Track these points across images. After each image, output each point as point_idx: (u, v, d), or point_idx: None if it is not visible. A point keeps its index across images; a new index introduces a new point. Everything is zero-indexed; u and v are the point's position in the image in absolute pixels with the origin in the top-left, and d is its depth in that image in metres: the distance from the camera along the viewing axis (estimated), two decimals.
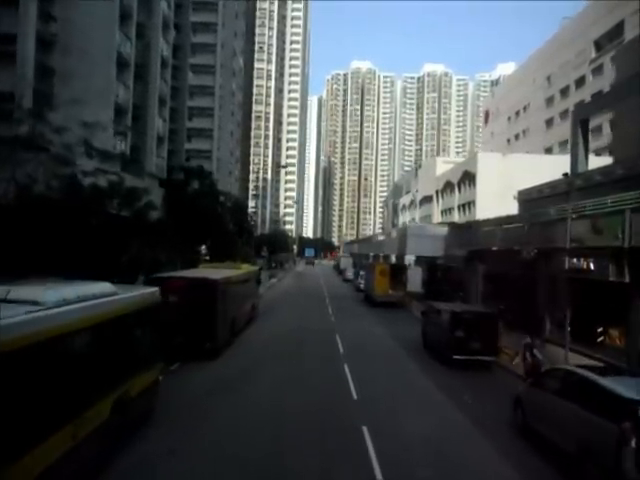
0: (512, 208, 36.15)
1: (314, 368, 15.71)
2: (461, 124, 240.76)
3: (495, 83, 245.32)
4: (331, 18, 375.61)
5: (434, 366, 16.80)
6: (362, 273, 50.77)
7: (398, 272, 33.09)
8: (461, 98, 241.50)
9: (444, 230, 36.71)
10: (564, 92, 67.89)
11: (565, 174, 31.76)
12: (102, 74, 23.99)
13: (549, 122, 71.85)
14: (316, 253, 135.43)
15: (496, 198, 48.37)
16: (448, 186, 66.80)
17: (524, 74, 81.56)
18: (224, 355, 16.96)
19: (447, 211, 66.42)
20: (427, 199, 78.94)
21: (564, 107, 67.07)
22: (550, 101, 71.59)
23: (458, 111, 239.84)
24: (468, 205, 58.24)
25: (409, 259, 54.79)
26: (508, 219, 26.59)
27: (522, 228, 23.08)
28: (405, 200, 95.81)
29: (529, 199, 36.29)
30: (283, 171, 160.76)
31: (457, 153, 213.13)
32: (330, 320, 26.29)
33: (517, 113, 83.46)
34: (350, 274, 59.92)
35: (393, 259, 65.84)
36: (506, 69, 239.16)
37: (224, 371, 15.03)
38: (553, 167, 49.40)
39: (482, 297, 28.13)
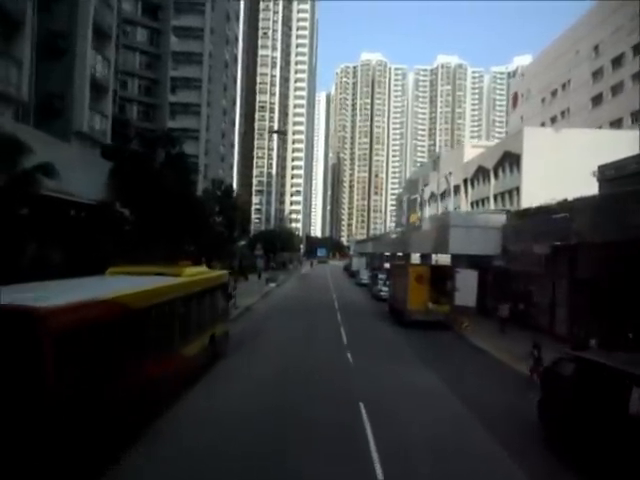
0: (571, 193, 26.34)
1: None
2: (476, 118, 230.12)
3: (512, 75, 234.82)
4: (339, 11, 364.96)
5: None
6: (381, 277, 40.67)
7: (442, 277, 22.81)
8: (476, 91, 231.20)
9: (500, 219, 26.54)
10: (617, 62, 57.19)
11: None
12: None
13: (596, 99, 61.15)
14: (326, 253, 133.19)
15: (548, 183, 38.67)
16: (480, 173, 56.39)
17: (563, 47, 70.66)
18: None
19: (479, 202, 56.04)
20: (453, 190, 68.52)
21: (617, 79, 56.49)
22: (598, 74, 60.88)
23: (473, 104, 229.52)
24: (509, 193, 47.86)
25: (438, 259, 44.48)
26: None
27: None
28: (425, 193, 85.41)
29: (619, 175, 26.00)
30: (289, 166, 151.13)
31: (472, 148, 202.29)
32: (345, 360, 16.11)
33: (554, 93, 72.73)
34: (365, 277, 49.80)
35: (415, 258, 55.77)
36: (523, 61, 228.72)
37: None
38: (617, 144, 39.17)
39: (578, 316, 17.91)
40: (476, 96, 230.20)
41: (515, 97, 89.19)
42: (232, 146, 61.50)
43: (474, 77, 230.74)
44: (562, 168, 40.01)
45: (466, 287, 22.52)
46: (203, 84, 51.06)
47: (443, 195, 68.42)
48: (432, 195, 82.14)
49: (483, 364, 16.38)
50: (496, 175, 52.31)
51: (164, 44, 50.45)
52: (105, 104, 23.86)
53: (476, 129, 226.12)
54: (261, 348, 17.18)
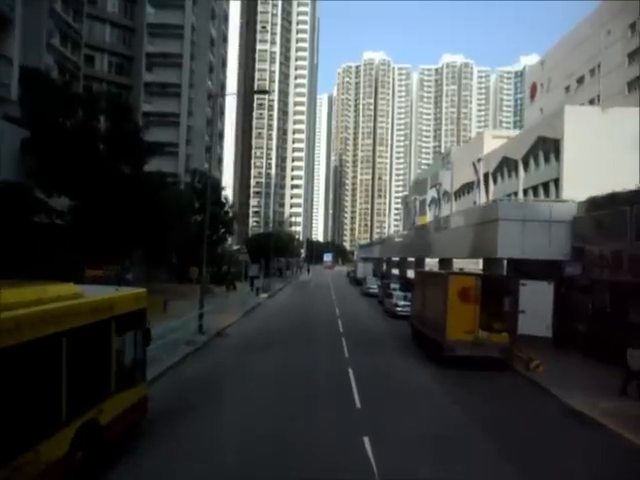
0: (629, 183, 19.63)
1: None
2: (483, 119, 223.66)
3: (519, 75, 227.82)
4: (341, 9, 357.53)
5: None
6: (394, 287, 33.27)
7: (499, 292, 15.20)
8: (482, 91, 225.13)
9: (568, 210, 19.16)
10: None
11: None
12: None
13: (634, 83, 53.88)
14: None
15: (595, 171, 31.84)
16: (505, 165, 49.17)
17: (590, 29, 63.46)
18: None
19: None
20: (467, 188, 61.33)
21: None
22: (635, 55, 53.73)
23: (480, 105, 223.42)
24: (544, 186, 40.54)
25: (452, 263, 37.05)
26: None
27: None
28: (435, 193, 77.99)
29: None
30: (289, 167, 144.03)
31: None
32: (362, 458, 8.22)
33: (580, 80, 65.48)
34: (373, 286, 42.26)
35: (432, 265, 48.55)
36: (529, 60, 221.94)
37: None
38: None
39: None
40: (482, 96, 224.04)
41: (533, 88, 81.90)
42: (221, 137, 54.28)
43: (480, 77, 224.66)
44: (612, 154, 33.05)
45: (536, 307, 15.15)
46: (184, 61, 43.83)
47: (464, 191, 61.23)
48: (445, 193, 75.10)
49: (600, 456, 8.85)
50: (526, 166, 45.02)
51: (139, 15, 43.34)
52: (9, 45, 16.64)
53: (482, 130, 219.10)
54: (204, 436, 9.11)
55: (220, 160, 54.76)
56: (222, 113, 53.69)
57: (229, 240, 49.33)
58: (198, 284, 36.10)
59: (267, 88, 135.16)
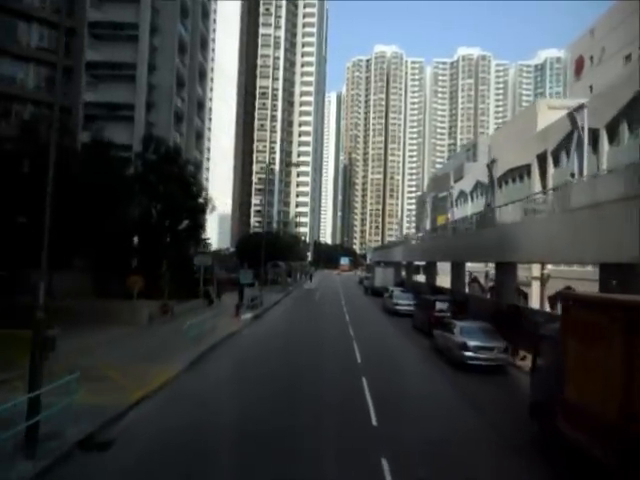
0: None
1: None
2: (501, 115, 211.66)
3: (539, 68, 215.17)
4: (351, 2, 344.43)
5: None
6: (441, 307, 21.37)
7: None
8: (501, 85, 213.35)
9: None
10: None
11: None
12: None
13: None
14: (336, 262, 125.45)
15: None
16: (574, 139, 36.89)
17: None
18: None
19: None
20: (512, 175, 49.24)
21: None
22: None
23: (497, 100, 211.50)
24: None
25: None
26: None
27: None
28: (464, 185, 66.08)
29: None
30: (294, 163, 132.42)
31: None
32: None
33: None
34: (404, 302, 30.12)
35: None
36: (549, 54, 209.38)
37: None
38: None
39: None
40: (500, 91, 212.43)
41: (579, 63, 69.04)
42: (200, 107, 42.34)
43: (498, 70, 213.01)
44: None
45: None
46: None
47: (509, 179, 49.04)
48: (461, 193, 63.95)
49: None
50: (613, 137, 32.77)
51: None
52: None
53: (501, 126, 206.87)
54: None
55: (200, 136, 42.62)
56: (202, 76, 41.36)
57: (209, 237, 37.67)
58: (144, 299, 24.59)
59: (271, 79, 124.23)
